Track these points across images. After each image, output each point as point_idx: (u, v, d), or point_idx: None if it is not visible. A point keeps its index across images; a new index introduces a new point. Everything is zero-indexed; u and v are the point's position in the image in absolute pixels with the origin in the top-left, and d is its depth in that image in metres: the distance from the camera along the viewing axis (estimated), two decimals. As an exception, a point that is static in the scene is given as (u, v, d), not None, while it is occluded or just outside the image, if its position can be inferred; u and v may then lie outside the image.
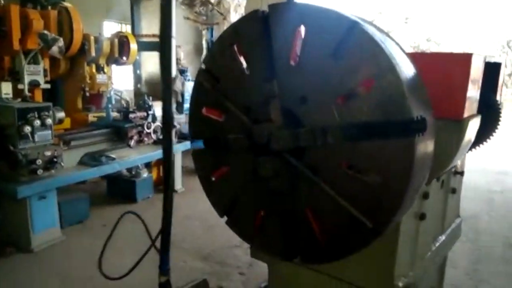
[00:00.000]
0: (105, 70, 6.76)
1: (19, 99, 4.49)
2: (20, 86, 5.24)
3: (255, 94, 1.64)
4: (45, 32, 4.70)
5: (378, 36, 1.34)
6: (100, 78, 6.63)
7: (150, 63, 7.89)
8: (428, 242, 2.18)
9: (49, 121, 4.31)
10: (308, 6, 1.44)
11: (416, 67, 1.43)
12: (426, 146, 1.37)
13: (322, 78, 1.43)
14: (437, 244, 2.30)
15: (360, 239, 1.44)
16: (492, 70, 2.15)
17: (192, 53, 11.66)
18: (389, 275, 1.81)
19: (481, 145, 2.23)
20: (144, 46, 7.59)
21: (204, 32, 9.98)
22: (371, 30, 1.35)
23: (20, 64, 5.35)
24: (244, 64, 1.66)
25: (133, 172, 5.88)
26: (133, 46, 6.97)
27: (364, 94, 1.34)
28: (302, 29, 1.47)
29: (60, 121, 4.64)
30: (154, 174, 6.26)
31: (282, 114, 1.56)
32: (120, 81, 7.56)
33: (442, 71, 1.64)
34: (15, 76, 5.51)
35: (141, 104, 5.77)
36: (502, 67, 2.20)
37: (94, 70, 6.61)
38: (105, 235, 2.18)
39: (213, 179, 1.87)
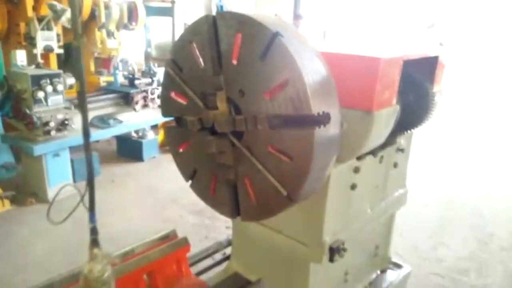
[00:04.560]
0: (115, 35, 7.11)
1: (33, 66, 4.94)
2: (35, 51, 5.69)
3: (208, 85, 2.01)
4: (54, 2, 5.05)
5: (294, 46, 1.68)
6: (110, 43, 7.00)
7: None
8: (364, 207, 2.58)
9: (60, 87, 4.78)
10: (243, 17, 1.77)
11: (328, 69, 1.76)
12: (329, 134, 1.73)
13: (254, 76, 1.79)
14: (376, 209, 2.70)
15: (278, 204, 1.85)
16: (429, 64, 2.46)
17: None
18: (319, 232, 2.24)
19: (416, 127, 2.55)
20: (154, 11, 7.87)
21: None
22: (289, 40, 1.69)
23: (34, 30, 5.76)
24: (200, 59, 2.03)
25: (140, 134, 6.37)
26: (141, 12, 7.25)
27: (282, 92, 1.70)
28: (240, 35, 1.81)
29: (71, 86, 5.09)
30: (160, 136, 6.74)
31: (227, 103, 1.94)
32: (130, 45, 7.92)
33: (355, 72, 1.97)
34: (31, 42, 5.95)
35: (146, 70, 6.16)
36: (441, 59, 2.48)
37: (104, 36, 6.97)
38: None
39: (180, 151, 2.29)
